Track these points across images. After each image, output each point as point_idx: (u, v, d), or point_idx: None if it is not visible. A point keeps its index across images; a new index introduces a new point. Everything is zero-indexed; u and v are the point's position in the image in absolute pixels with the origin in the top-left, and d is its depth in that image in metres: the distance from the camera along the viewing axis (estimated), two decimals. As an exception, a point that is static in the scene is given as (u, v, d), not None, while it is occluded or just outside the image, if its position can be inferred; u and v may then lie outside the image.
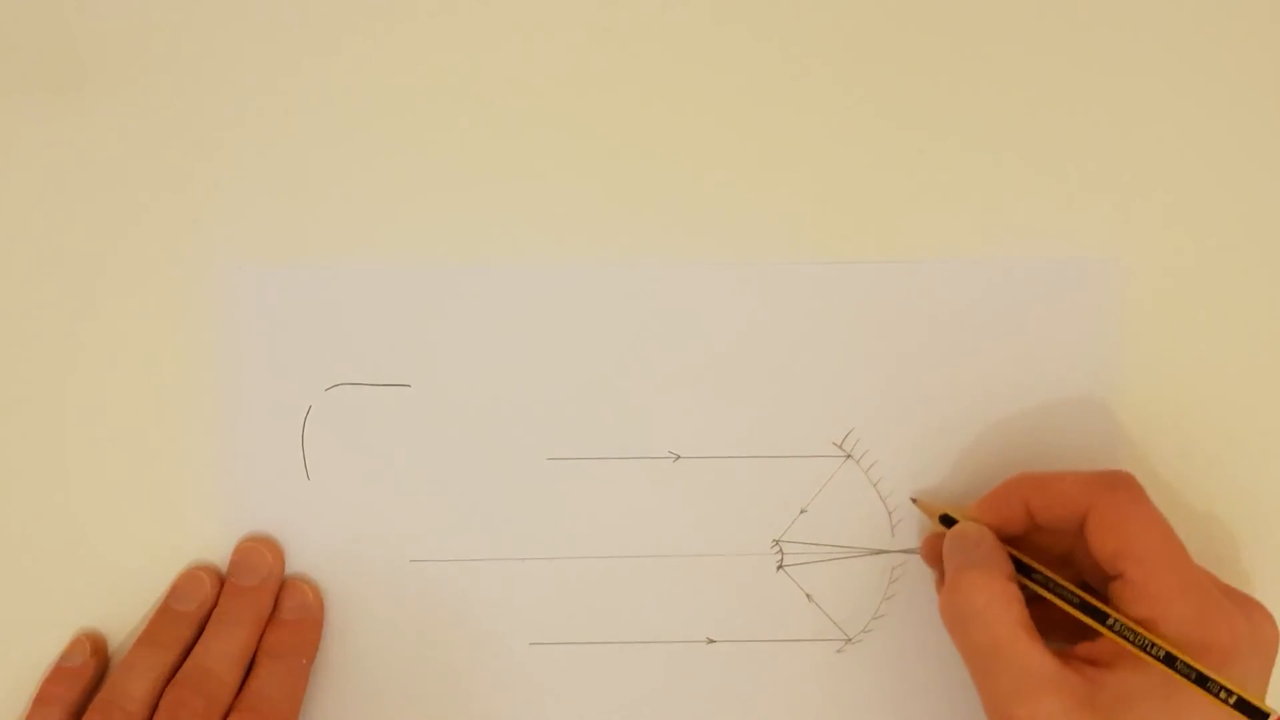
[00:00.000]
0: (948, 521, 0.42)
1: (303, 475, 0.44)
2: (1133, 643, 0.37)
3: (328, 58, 0.44)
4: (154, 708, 0.41)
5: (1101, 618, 0.38)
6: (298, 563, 0.44)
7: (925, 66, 0.45)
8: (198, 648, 0.42)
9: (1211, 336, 0.45)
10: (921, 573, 0.44)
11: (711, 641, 0.45)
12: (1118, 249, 0.45)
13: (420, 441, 0.44)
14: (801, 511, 0.45)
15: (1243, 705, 0.36)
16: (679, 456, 0.45)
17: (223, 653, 0.42)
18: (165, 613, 0.43)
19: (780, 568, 0.45)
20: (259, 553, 0.43)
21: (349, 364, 0.44)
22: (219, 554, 0.44)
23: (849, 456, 0.45)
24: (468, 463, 0.44)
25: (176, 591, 0.43)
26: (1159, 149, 0.45)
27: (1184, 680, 0.36)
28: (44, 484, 0.44)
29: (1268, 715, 0.36)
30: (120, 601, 0.44)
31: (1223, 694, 0.36)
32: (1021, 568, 0.40)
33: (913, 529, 0.45)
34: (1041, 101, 0.45)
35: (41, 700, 0.43)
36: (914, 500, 0.44)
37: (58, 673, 0.43)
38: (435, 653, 0.44)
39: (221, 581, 0.44)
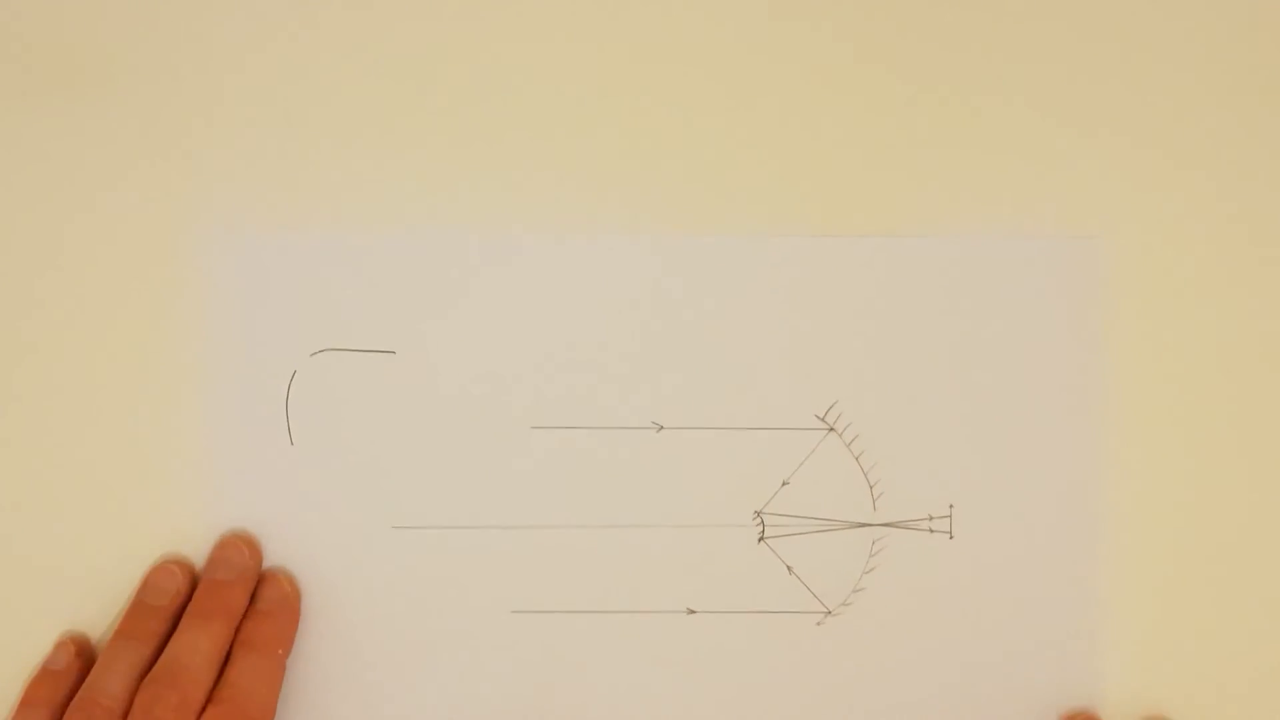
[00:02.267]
0: None
1: (286, 440, 0.44)
2: None
3: (314, 21, 0.44)
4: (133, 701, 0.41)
5: None
6: (281, 528, 0.44)
7: (908, 47, 0.45)
8: (172, 642, 0.42)
9: (1193, 315, 0.45)
10: (902, 546, 0.45)
11: (692, 612, 0.45)
12: (1099, 228, 0.45)
13: (404, 408, 0.44)
14: (783, 484, 0.45)
15: None
16: (662, 427, 0.45)
17: (197, 646, 0.42)
18: (139, 607, 0.43)
19: (761, 539, 0.45)
20: (237, 548, 0.43)
21: (334, 330, 0.44)
22: (203, 520, 0.44)
23: (832, 429, 0.45)
24: (451, 430, 0.44)
25: (149, 586, 0.43)
26: (1141, 128, 0.45)
27: None
28: (22, 455, 0.44)
29: None
30: (106, 573, 0.44)
31: None
32: None
33: (894, 503, 0.45)
34: (1023, 80, 0.45)
35: (27, 703, 0.43)
36: None
37: (43, 675, 0.43)
38: (416, 618, 0.44)
39: (194, 573, 0.44)
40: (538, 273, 0.44)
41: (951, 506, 0.45)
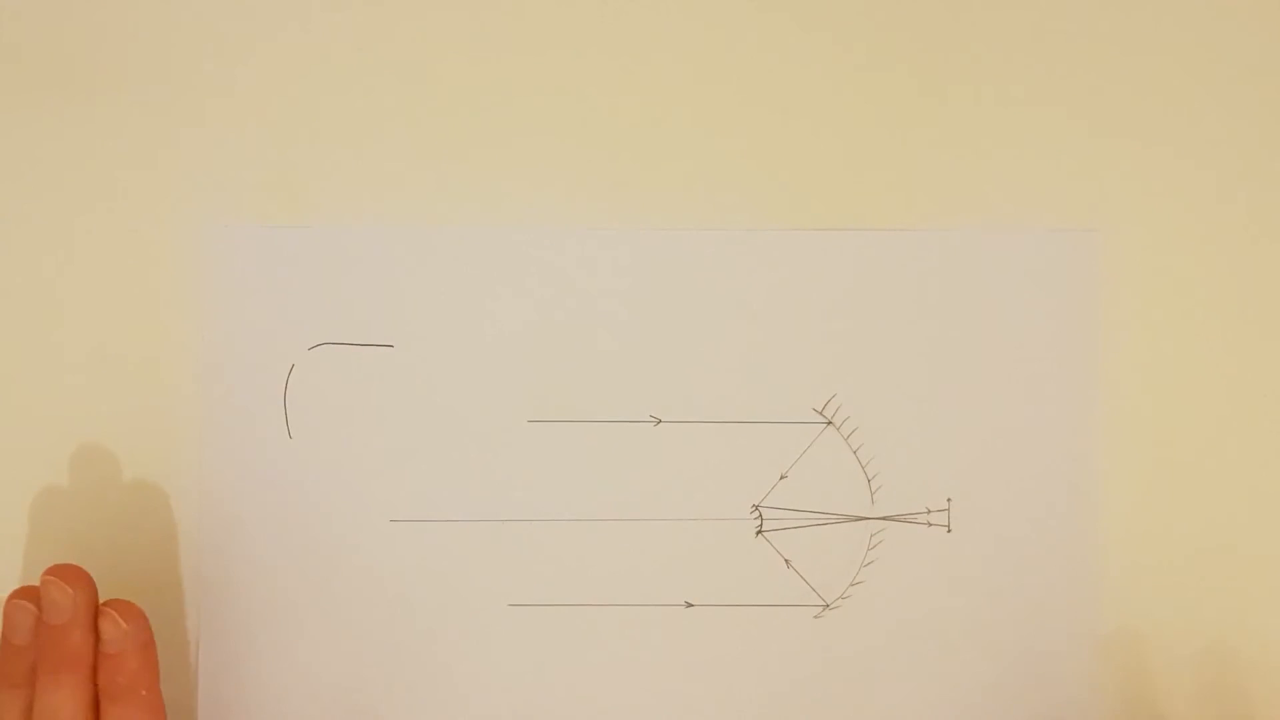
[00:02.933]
0: None
1: (285, 433, 0.44)
2: None
3: (313, 15, 0.44)
4: None
5: None
6: (278, 521, 0.44)
7: (906, 40, 0.45)
8: (35, 709, 0.40)
9: (1191, 308, 0.45)
10: (900, 539, 0.45)
11: (690, 605, 0.45)
12: (1098, 221, 0.45)
13: (402, 402, 0.44)
14: (782, 477, 0.45)
15: None
16: (660, 421, 0.45)
17: (59, 708, 0.40)
18: (7, 650, 0.41)
19: (760, 533, 0.45)
20: (59, 587, 0.40)
21: (333, 323, 0.44)
22: (201, 514, 0.44)
23: (830, 423, 0.45)
24: (449, 424, 0.44)
25: (8, 625, 0.41)
26: (1140, 121, 0.45)
27: None
28: (19, 449, 0.44)
29: None
30: (103, 566, 0.44)
31: None
32: None
33: (892, 496, 0.45)
34: (1022, 73, 0.45)
35: None
36: None
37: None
38: (413, 612, 0.44)
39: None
40: (535, 267, 0.44)
41: (949, 500, 0.45)
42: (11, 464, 0.44)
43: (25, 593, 0.41)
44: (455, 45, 0.44)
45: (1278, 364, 0.45)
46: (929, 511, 0.45)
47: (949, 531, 0.45)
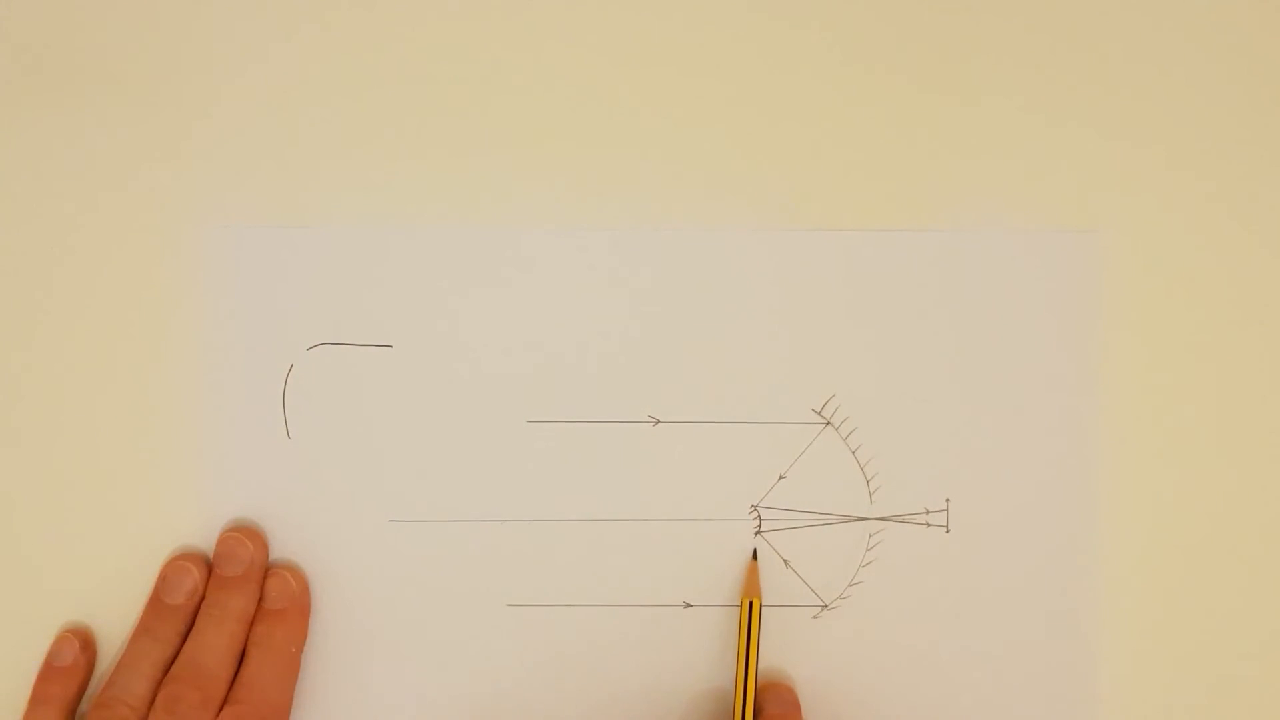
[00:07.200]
0: None
1: (283, 434, 0.44)
2: None
3: (311, 19, 0.44)
4: (153, 701, 0.42)
5: None
6: (278, 521, 0.44)
7: (905, 41, 0.45)
8: (189, 643, 0.43)
9: (1190, 308, 0.45)
10: (898, 540, 0.45)
11: (689, 606, 0.45)
12: (1097, 221, 0.45)
13: (401, 402, 0.44)
14: (780, 478, 0.45)
15: None
16: (659, 421, 0.45)
17: (213, 646, 0.42)
18: (156, 606, 0.43)
19: (758, 533, 0.45)
20: (240, 542, 0.43)
21: (332, 324, 0.44)
22: (200, 513, 0.44)
23: (829, 423, 0.45)
24: (448, 424, 0.44)
25: (165, 583, 0.43)
26: (1139, 122, 0.45)
27: None
28: (20, 449, 0.44)
29: None
30: (104, 565, 0.44)
31: None
32: None
33: (891, 496, 0.45)
34: (1021, 74, 0.45)
35: (37, 700, 0.43)
36: None
37: (50, 672, 0.43)
38: (412, 611, 0.44)
39: (207, 566, 0.44)
40: (534, 267, 0.44)
41: (948, 500, 0.45)
42: (11, 463, 0.44)
43: (188, 556, 0.43)
44: (454, 47, 0.44)
45: (1277, 364, 0.45)
46: (928, 512, 0.45)
47: (948, 532, 0.45)
